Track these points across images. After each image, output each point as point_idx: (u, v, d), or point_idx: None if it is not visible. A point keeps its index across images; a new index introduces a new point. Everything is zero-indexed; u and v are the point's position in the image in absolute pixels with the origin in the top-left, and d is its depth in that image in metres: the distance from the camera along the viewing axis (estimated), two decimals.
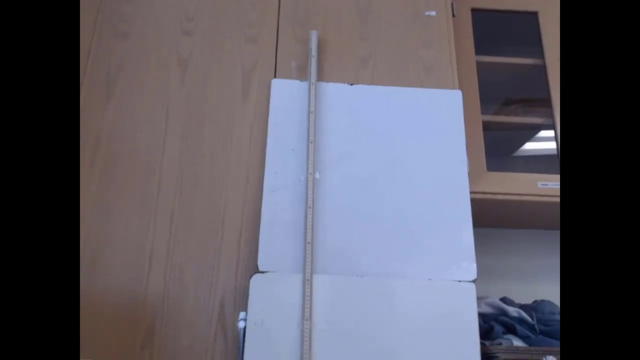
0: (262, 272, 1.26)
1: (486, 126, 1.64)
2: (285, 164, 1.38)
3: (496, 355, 1.21)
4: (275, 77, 1.50)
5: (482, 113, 1.65)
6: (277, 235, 1.30)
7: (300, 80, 1.49)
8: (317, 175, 1.36)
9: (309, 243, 1.28)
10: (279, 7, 1.59)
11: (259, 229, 1.30)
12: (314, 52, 1.49)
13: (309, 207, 1.31)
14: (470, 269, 1.29)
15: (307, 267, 1.26)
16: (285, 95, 1.46)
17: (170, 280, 1.30)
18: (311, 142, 1.38)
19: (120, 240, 1.32)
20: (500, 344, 1.29)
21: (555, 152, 1.65)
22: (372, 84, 1.51)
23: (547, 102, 1.71)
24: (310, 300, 1.23)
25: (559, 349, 1.25)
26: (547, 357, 1.15)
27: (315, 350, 1.19)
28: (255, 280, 1.25)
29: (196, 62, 1.51)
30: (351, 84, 1.49)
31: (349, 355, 1.20)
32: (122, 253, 1.31)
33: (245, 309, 1.23)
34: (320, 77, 1.49)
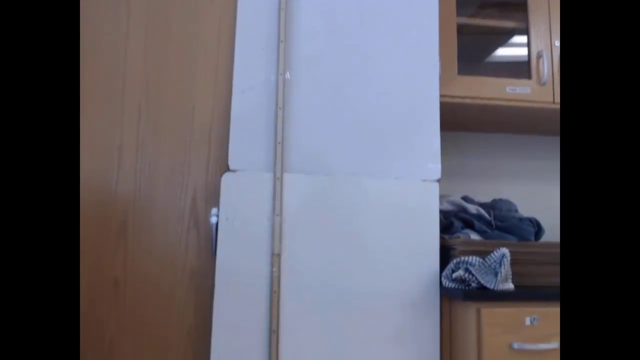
0: (233, 171, 1.28)
1: (460, 29, 1.62)
2: (255, 64, 1.35)
3: (454, 247, 1.30)
4: None
5: (457, 15, 1.62)
6: (248, 135, 1.30)
7: None
8: (288, 76, 1.34)
9: (279, 143, 1.29)
10: None
11: (229, 128, 1.30)
12: None
13: (280, 108, 1.31)
14: (435, 169, 1.34)
15: (278, 167, 1.28)
16: None
17: (141, 177, 1.31)
18: (282, 41, 1.34)
19: (87, 136, 1.31)
20: (459, 237, 1.37)
21: (525, 58, 1.66)
22: None
23: (522, 6, 1.68)
24: (281, 197, 1.27)
25: (511, 242, 1.35)
26: (500, 249, 1.24)
27: (286, 243, 1.25)
28: (226, 179, 1.27)
29: None
30: None
31: (318, 248, 1.27)
32: (90, 149, 1.30)
33: (217, 205, 1.27)
34: None
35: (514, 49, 1.80)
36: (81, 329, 1.25)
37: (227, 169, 1.28)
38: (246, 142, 1.30)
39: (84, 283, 1.26)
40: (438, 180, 1.33)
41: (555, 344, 1.15)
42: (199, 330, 1.28)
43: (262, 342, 1.21)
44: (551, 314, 1.17)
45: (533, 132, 1.80)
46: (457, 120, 1.68)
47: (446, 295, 1.27)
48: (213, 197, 1.30)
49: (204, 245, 1.30)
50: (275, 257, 1.24)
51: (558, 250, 1.31)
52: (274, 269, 1.23)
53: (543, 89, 1.60)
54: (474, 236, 1.38)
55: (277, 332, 1.21)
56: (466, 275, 1.20)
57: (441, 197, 1.43)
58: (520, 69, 1.67)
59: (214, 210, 1.27)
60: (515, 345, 1.13)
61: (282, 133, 1.30)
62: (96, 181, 1.29)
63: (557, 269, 1.30)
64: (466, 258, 1.24)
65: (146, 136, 1.32)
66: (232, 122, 1.30)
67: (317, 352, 1.22)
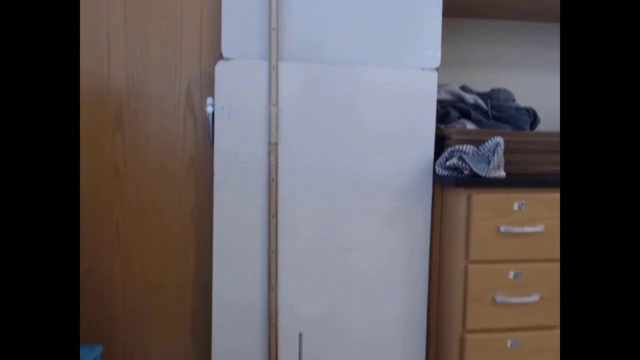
0: (227, 59, 1.24)
1: None
2: None
3: (449, 136, 1.31)
4: None
5: None
6: (241, 21, 1.24)
7: None
8: None
9: (274, 29, 1.24)
10: None
11: (220, 13, 1.24)
12: None
13: None
14: (434, 57, 1.30)
15: (273, 54, 1.24)
16: None
17: (132, 66, 1.28)
18: None
19: None
20: (455, 127, 1.38)
21: None
22: None
23: None
24: (277, 86, 1.25)
25: (506, 131, 1.36)
26: (495, 137, 1.25)
27: (283, 132, 1.26)
28: (220, 67, 1.24)
29: None
30: None
31: (315, 136, 1.28)
32: None
33: (212, 95, 1.25)
34: None
35: None
36: (88, 214, 1.31)
37: (221, 57, 1.24)
38: (239, 28, 1.24)
39: (86, 172, 1.29)
40: (437, 69, 1.31)
41: (540, 227, 1.21)
42: (201, 213, 1.34)
43: (261, 226, 1.27)
44: (539, 199, 1.21)
45: (539, 19, 1.73)
46: (460, 5, 1.59)
47: (439, 182, 1.31)
48: (208, 86, 1.28)
49: (201, 134, 1.31)
50: (273, 146, 1.25)
51: (551, 139, 1.33)
52: (272, 158, 1.25)
53: None
54: (470, 126, 1.38)
55: (275, 216, 1.26)
56: (459, 163, 1.23)
57: (439, 86, 1.41)
58: None
59: (209, 100, 1.25)
60: (502, 228, 1.20)
61: (277, 18, 1.24)
62: (87, 70, 1.26)
63: (550, 157, 1.33)
64: (460, 147, 1.25)
65: (134, 23, 1.27)
66: (224, 6, 1.24)
67: (314, 233, 1.29)
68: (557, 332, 1.25)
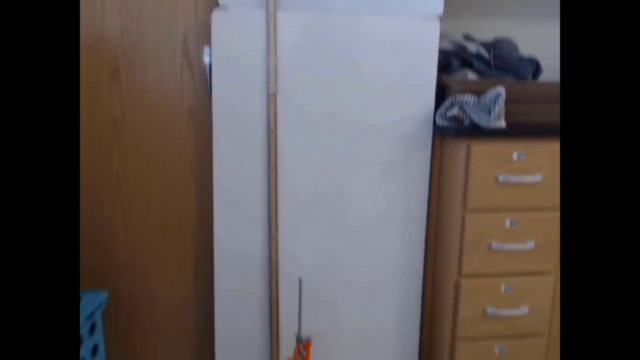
0: (223, 8, 1.21)
1: None
2: None
3: (451, 86, 1.30)
4: None
5: None
6: None
7: None
8: None
9: None
10: None
11: None
12: None
13: None
14: (437, 5, 1.27)
15: (271, 2, 1.21)
16: None
17: (126, 16, 1.25)
18: None
19: None
20: (456, 77, 1.36)
21: None
22: None
23: None
24: (275, 36, 1.23)
25: (507, 81, 1.34)
26: (496, 87, 1.23)
27: (281, 83, 1.25)
28: (217, 16, 1.21)
29: None
30: None
31: (314, 86, 1.26)
32: None
33: (209, 44, 1.23)
34: None
35: None
36: (89, 167, 1.32)
37: (217, 5, 1.21)
38: None
39: (84, 123, 1.29)
40: (440, 17, 1.27)
41: (538, 177, 1.22)
42: (200, 164, 1.35)
43: (261, 176, 1.28)
44: (538, 149, 1.21)
45: None
46: None
47: (439, 132, 1.31)
48: (204, 36, 1.25)
49: (199, 85, 1.30)
50: (272, 97, 1.24)
51: (552, 89, 1.31)
52: (271, 109, 1.24)
53: None
54: (472, 75, 1.37)
55: (275, 167, 1.27)
56: (460, 113, 1.22)
57: (442, 35, 1.38)
58: None
59: (206, 50, 1.23)
60: (501, 178, 1.21)
61: None
62: (81, 20, 1.23)
63: (551, 107, 1.31)
64: (462, 97, 1.24)
65: None
66: None
67: (314, 182, 1.30)
68: (550, 277, 1.28)
